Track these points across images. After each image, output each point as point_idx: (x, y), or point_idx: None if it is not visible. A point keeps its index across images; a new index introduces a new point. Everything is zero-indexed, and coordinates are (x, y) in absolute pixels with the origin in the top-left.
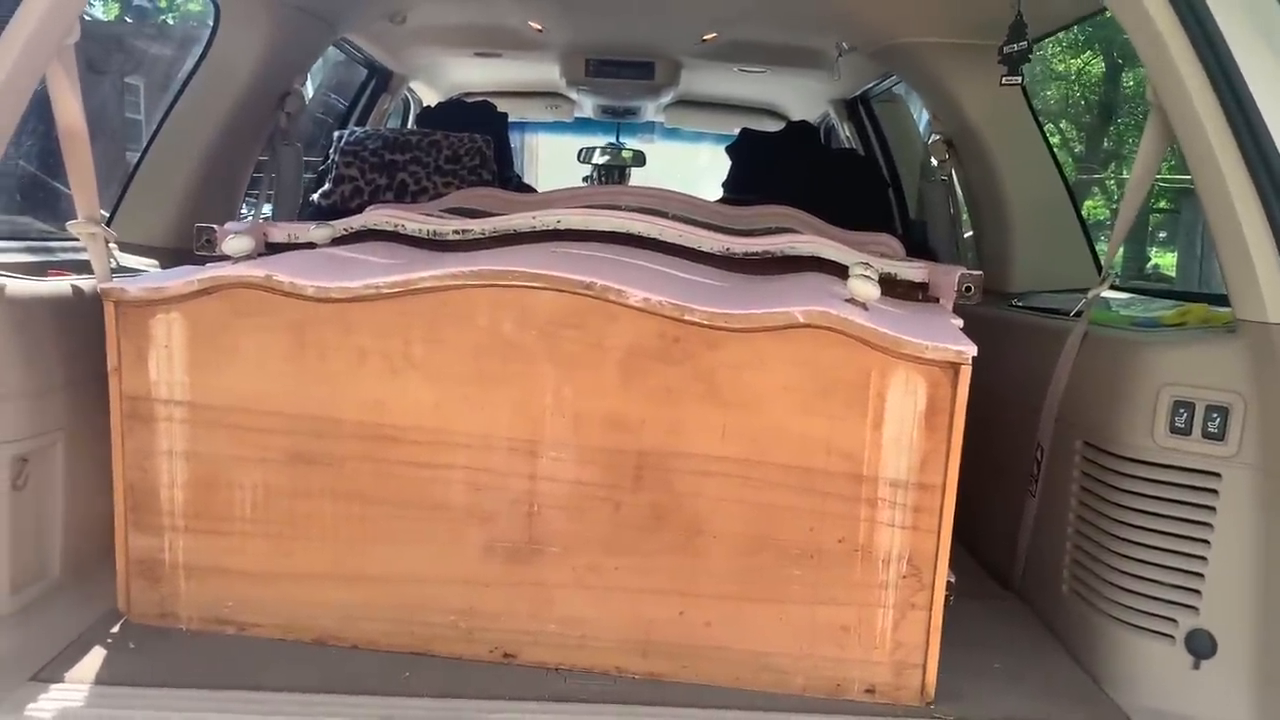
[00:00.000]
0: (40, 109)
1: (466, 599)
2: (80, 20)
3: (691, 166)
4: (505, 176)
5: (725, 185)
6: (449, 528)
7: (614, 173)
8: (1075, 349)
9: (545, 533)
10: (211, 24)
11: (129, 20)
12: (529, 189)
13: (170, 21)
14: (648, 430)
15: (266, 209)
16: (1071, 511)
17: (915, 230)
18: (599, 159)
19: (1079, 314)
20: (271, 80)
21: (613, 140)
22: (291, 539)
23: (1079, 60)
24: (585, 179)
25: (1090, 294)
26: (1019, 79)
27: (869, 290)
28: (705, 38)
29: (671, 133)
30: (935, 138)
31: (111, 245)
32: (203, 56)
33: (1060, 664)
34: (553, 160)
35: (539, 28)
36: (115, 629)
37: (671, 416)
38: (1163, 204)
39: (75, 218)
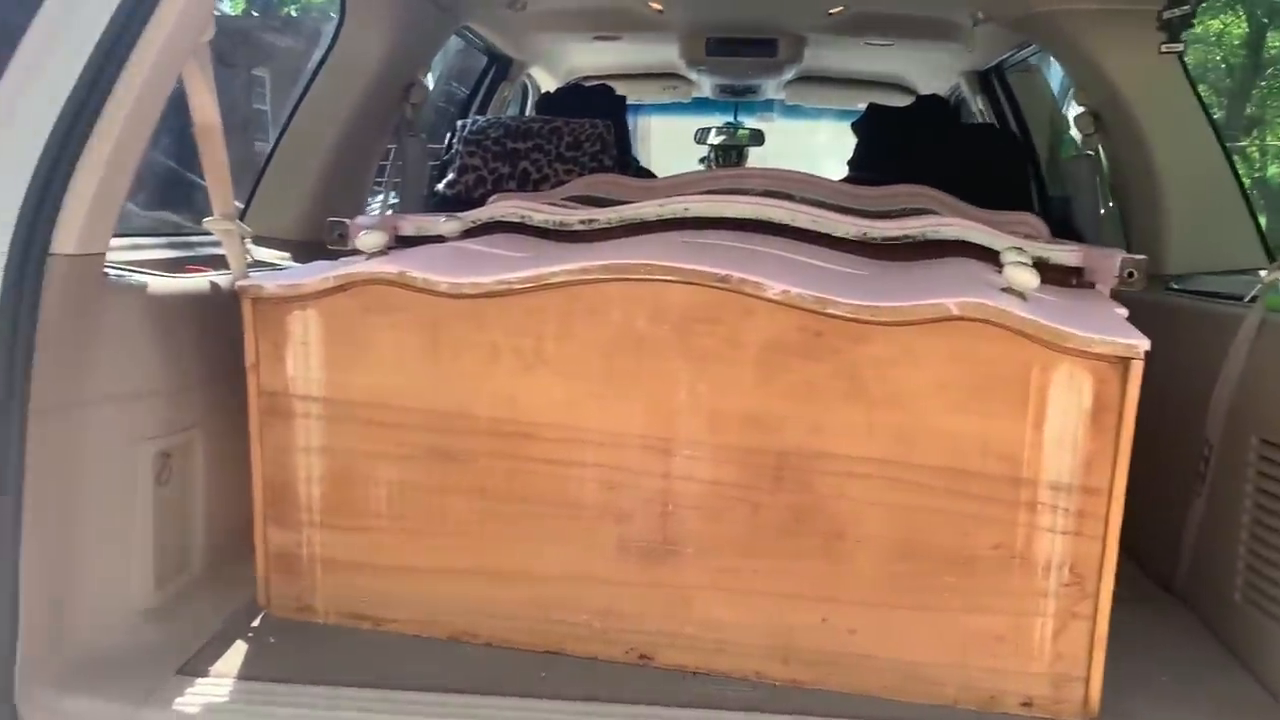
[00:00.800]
0: (171, 105)
1: (602, 599)
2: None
3: (811, 144)
4: (625, 161)
5: (851, 164)
6: (583, 526)
7: (731, 153)
8: (1251, 337)
9: (681, 533)
10: (337, 17)
11: (254, 14)
12: (648, 173)
13: (294, 14)
14: (788, 429)
15: (393, 198)
16: (1246, 513)
17: (1056, 208)
18: (716, 139)
19: (1254, 299)
20: (396, 71)
21: (730, 119)
22: (427, 534)
23: (1218, 22)
24: (702, 160)
25: (1267, 277)
26: (1180, 46)
27: (1028, 279)
28: (831, 11)
29: (791, 110)
30: (1080, 110)
31: (246, 240)
32: (329, 50)
33: (1234, 677)
34: (667, 141)
35: (659, 8)
36: (255, 623)
37: (813, 415)
38: None
39: (208, 212)
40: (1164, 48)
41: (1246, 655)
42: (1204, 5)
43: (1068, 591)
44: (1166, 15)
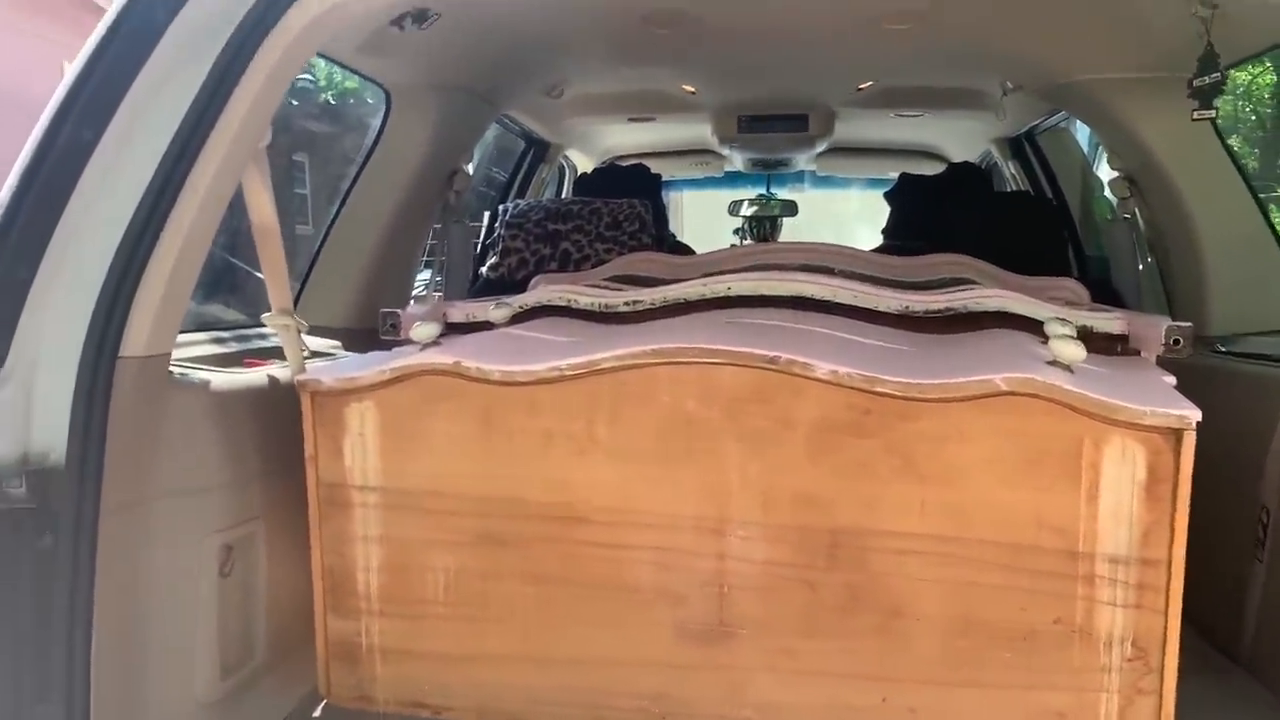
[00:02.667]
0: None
1: (658, 683)
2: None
3: (843, 211)
4: (662, 237)
5: (886, 233)
6: (637, 609)
7: (765, 224)
8: None
9: (736, 614)
10: (383, 111)
11: (293, 101)
12: (686, 248)
13: (331, 100)
14: (840, 507)
15: (425, 277)
16: None
17: (1093, 270)
18: (749, 210)
19: None
20: (440, 161)
21: (763, 191)
22: (482, 621)
23: (1246, 73)
24: (736, 231)
25: None
26: (1212, 112)
27: (1074, 352)
28: (861, 86)
29: (822, 180)
30: (1115, 175)
31: (301, 334)
32: (375, 141)
33: None
34: (699, 214)
35: (692, 90)
36: (317, 712)
37: (865, 492)
38: None
39: (259, 305)
40: (1196, 114)
41: None
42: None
43: (1131, 666)
44: (1197, 83)
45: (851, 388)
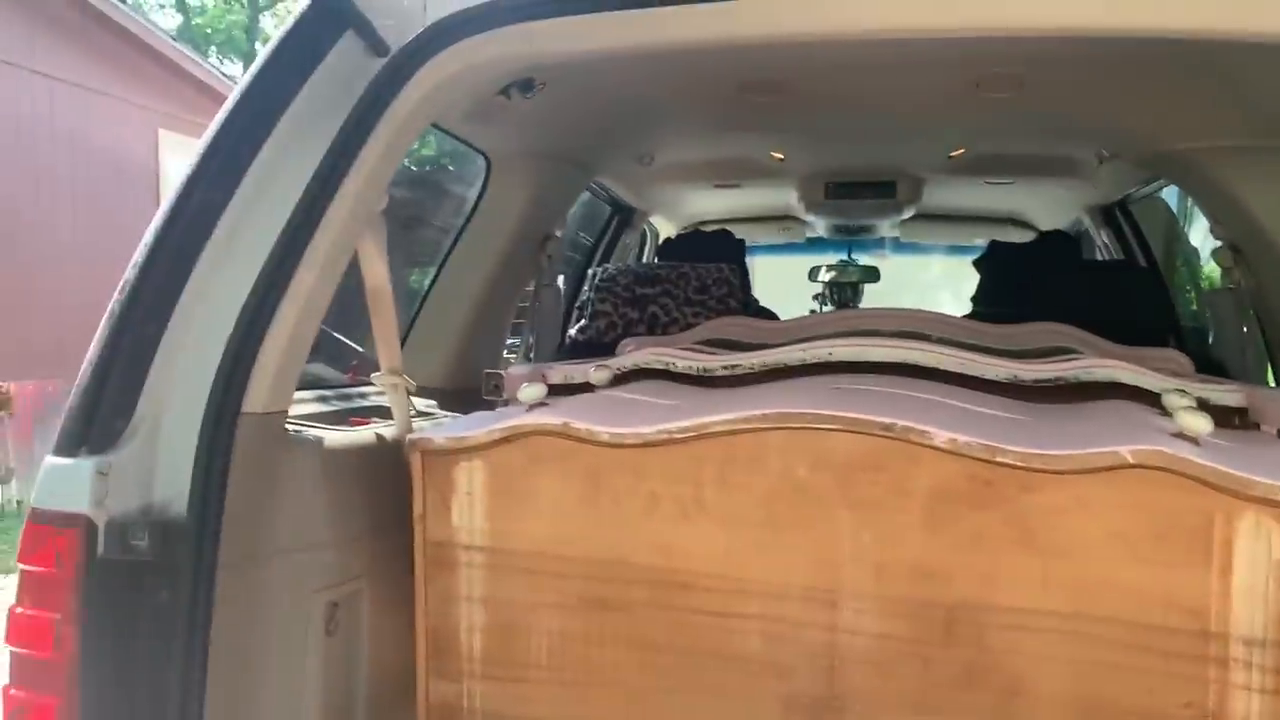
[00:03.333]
0: None
1: None
2: None
3: (923, 279)
4: (747, 302)
5: (975, 300)
6: (744, 680)
7: (846, 290)
8: None
9: (848, 689)
10: (483, 177)
11: None
12: (770, 313)
13: (412, 167)
14: (958, 580)
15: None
16: None
17: (1190, 340)
18: (830, 276)
19: None
20: (535, 226)
21: (844, 257)
22: (585, 686)
23: None
24: (816, 297)
25: None
26: None
27: (1201, 424)
28: (953, 154)
29: (903, 245)
30: (1218, 244)
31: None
32: (475, 206)
33: None
34: (775, 279)
35: (780, 156)
36: None
37: (984, 565)
38: None
39: (349, 365)
40: None
41: None
42: None
43: None
44: None
45: (971, 457)
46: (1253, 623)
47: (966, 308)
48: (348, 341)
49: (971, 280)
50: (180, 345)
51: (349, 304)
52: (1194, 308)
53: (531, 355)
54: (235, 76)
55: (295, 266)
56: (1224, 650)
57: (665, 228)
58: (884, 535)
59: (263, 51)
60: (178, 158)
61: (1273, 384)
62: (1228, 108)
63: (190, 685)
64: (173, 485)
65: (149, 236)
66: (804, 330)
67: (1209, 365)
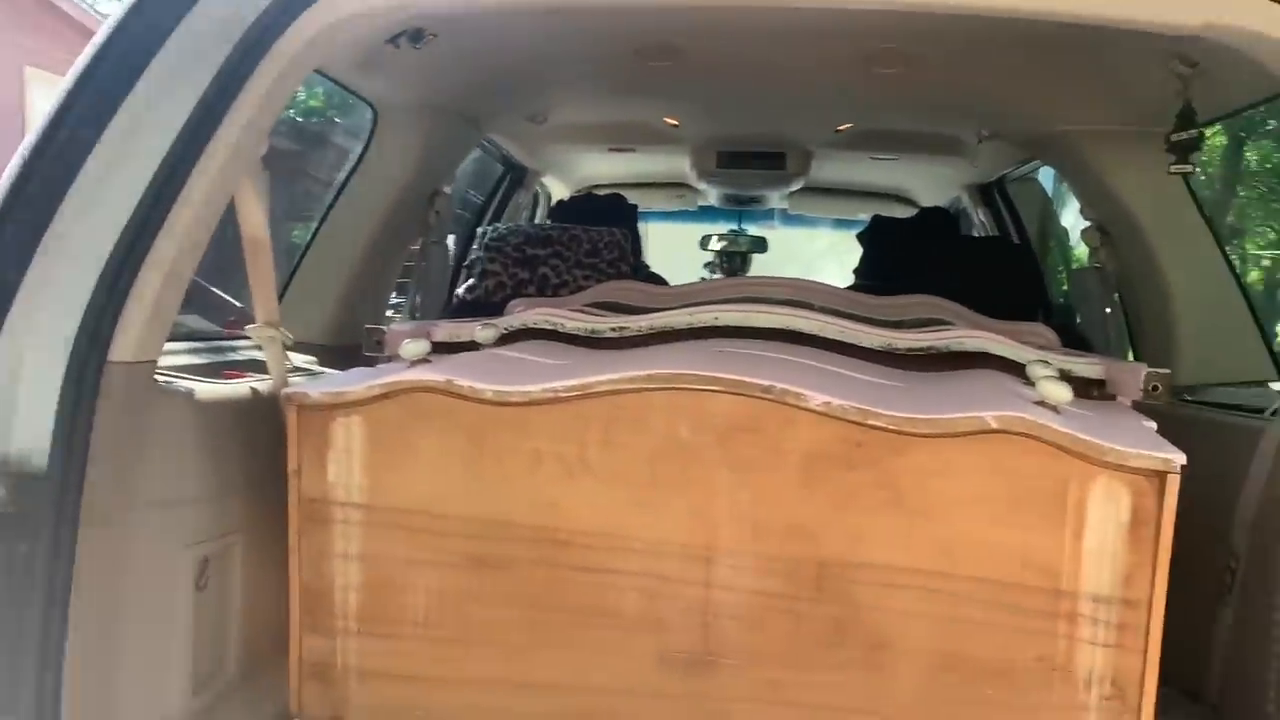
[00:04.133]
0: None
1: (641, 710)
2: None
3: (810, 250)
4: (638, 267)
5: (858, 272)
6: (620, 636)
7: (736, 259)
8: (1273, 450)
9: (722, 644)
10: (370, 128)
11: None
12: (660, 279)
13: (297, 118)
14: (829, 538)
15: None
16: (1277, 625)
17: (1057, 316)
18: (720, 245)
19: (1275, 412)
20: (423, 181)
21: (734, 227)
22: (463, 644)
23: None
24: (706, 265)
25: None
26: (1190, 167)
27: (1061, 393)
28: (840, 128)
29: (791, 218)
30: (1086, 224)
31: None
32: (360, 159)
33: None
34: (667, 246)
35: (675, 123)
36: None
37: (854, 524)
38: None
39: (228, 316)
40: (1173, 169)
41: None
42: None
43: (1110, 705)
44: (1175, 138)
45: (845, 420)
46: (1100, 581)
47: (849, 279)
48: (224, 295)
49: (853, 253)
50: (43, 290)
51: (234, 256)
52: (1063, 285)
53: (417, 314)
54: (109, 12)
55: (167, 211)
56: (1073, 607)
57: (558, 189)
58: (760, 494)
59: None
60: (46, 97)
61: (1132, 359)
62: (1102, 94)
63: (50, 641)
64: (33, 435)
65: (8, 176)
66: (692, 296)
67: (1075, 340)
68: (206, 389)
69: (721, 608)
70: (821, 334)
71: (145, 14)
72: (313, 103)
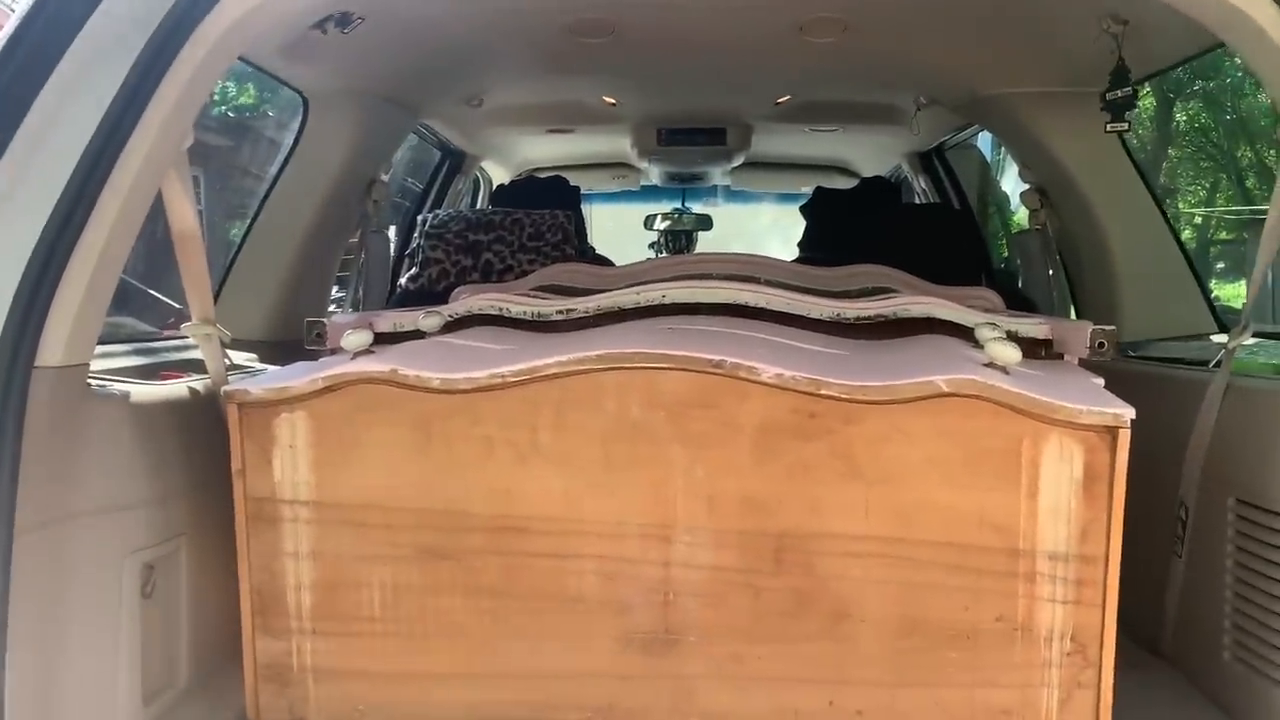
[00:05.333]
0: None
1: (604, 694)
2: None
3: (755, 226)
4: (583, 249)
5: (802, 245)
6: (582, 620)
7: (681, 237)
8: (1218, 401)
9: (683, 621)
10: (300, 118)
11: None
12: (606, 260)
13: (230, 114)
14: (786, 510)
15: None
16: (1228, 573)
17: (1003, 280)
18: (665, 224)
19: (1218, 364)
20: (358, 170)
21: (678, 205)
22: (422, 637)
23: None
24: (651, 245)
25: (1230, 343)
26: (1124, 125)
27: (1010, 354)
28: (779, 101)
29: (735, 194)
30: (1026, 187)
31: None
32: (291, 150)
33: None
34: (613, 228)
35: (612, 102)
36: None
37: (810, 495)
38: (1223, 234)
39: (166, 317)
40: (1109, 127)
41: (1240, 713)
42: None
43: (1070, 661)
44: (1110, 96)
45: (797, 391)
46: (1056, 539)
47: (794, 253)
48: (161, 297)
49: (797, 227)
50: None
51: (166, 254)
52: (1004, 249)
53: (359, 306)
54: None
55: (90, 209)
56: (1031, 566)
57: (498, 173)
58: (715, 469)
59: None
60: None
61: (1074, 318)
62: (1037, 55)
63: None
64: None
65: None
66: (639, 275)
67: (1018, 302)
68: (143, 390)
69: (681, 585)
70: (769, 307)
71: (53, 7)
72: (244, 99)
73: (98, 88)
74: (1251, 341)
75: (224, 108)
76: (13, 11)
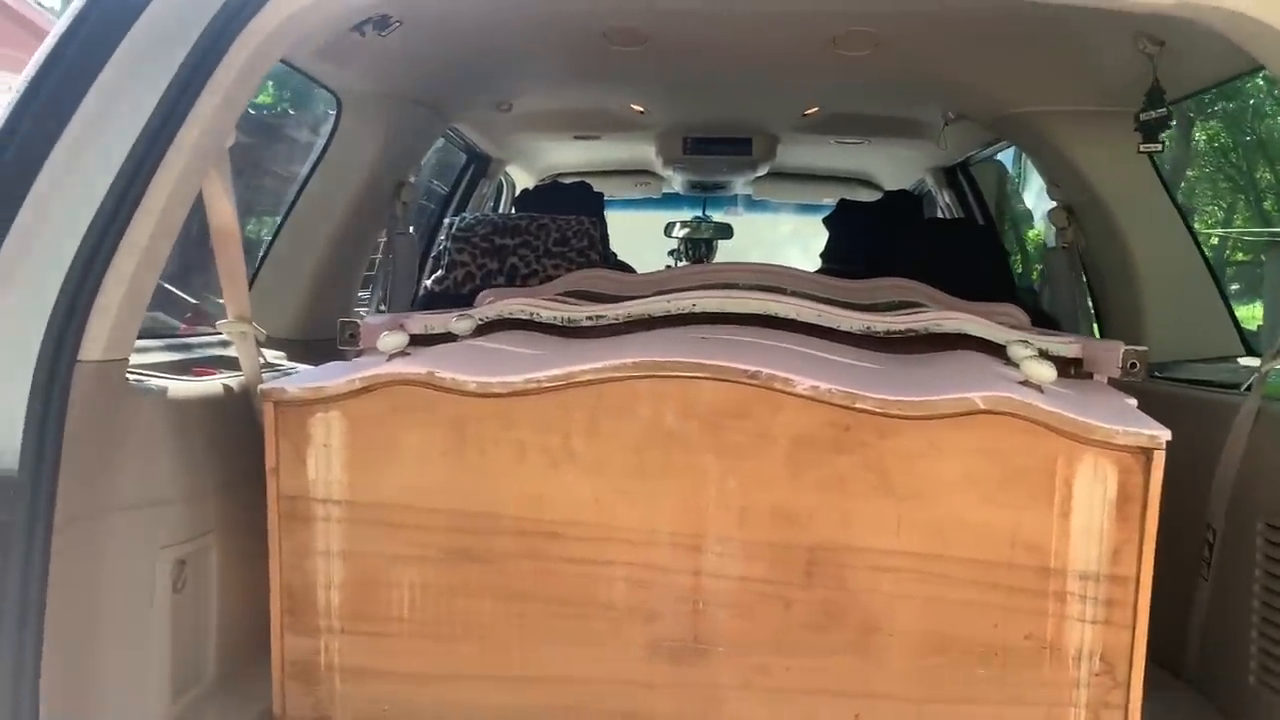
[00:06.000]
0: None
1: (630, 701)
2: None
3: (774, 236)
4: (606, 255)
5: (824, 256)
6: (611, 626)
7: (701, 246)
8: (1249, 424)
9: (712, 631)
10: (333, 119)
11: None
12: (628, 267)
13: (249, 110)
14: (818, 523)
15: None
16: (1256, 598)
17: (1027, 297)
18: (685, 232)
19: (1249, 388)
20: (388, 171)
21: (699, 214)
22: (449, 639)
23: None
24: (671, 252)
25: (1263, 367)
26: (1158, 146)
27: (1046, 372)
28: (807, 112)
29: (755, 204)
30: (1053, 205)
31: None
32: (324, 150)
33: None
34: (628, 233)
35: (640, 109)
36: None
37: (843, 508)
38: (1240, 256)
39: (184, 313)
40: (1143, 148)
41: None
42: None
43: (1099, 681)
44: (1144, 117)
45: (831, 404)
46: (1088, 559)
47: (814, 264)
48: (178, 292)
49: (818, 238)
50: (8, 290)
51: (197, 253)
52: (1022, 266)
53: (385, 307)
54: (54, 8)
55: (137, 204)
56: (1062, 585)
57: (522, 178)
58: (748, 480)
59: None
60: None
61: (1099, 337)
62: (1069, 74)
63: (25, 648)
64: (3, 437)
65: None
66: (664, 283)
67: (1042, 319)
68: (179, 387)
69: (711, 595)
70: (798, 318)
71: (104, 6)
72: (263, 98)
73: (144, 88)
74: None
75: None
76: (40, 6)
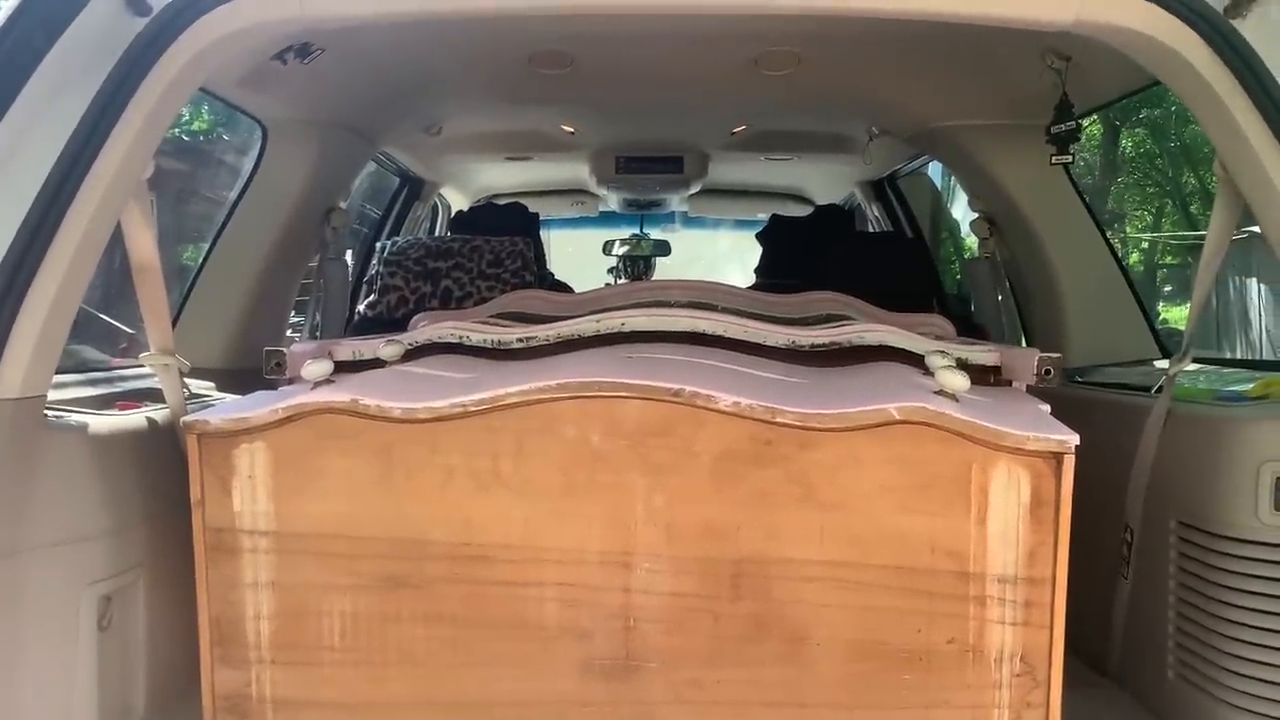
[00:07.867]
0: None
1: None
2: None
3: (713, 251)
4: (542, 276)
5: (759, 271)
6: (543, 647)
7: (639, 263)
8: (1159, 426)
9: (643, 648)
10: (259, 146)
11: None
12: (565, 286)
13: (184, 137)
14: (744, 536)
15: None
16: (1172, 594)
17: (951, 306)
18: (623, 250)
19: (1159, 390)
20: (317, 197)
21: (636, 231)
22: (383, 666)
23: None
24: (610, 270)
25: (1171, 370)
26: (1069, 157)
27: (959, 382)
28: (734, 130)
29: (693, 220)
30: (975, 216)
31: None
32: (250, 178)
33: None
34: (572, 253)
35: (571, 130)
36: None
37: (767, 521)
38: (1169, 259)
39: (118, 344)
40: (1054, 159)
41: None
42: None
43: (1020, 682)
44: (1055, 130)
45: (753, 419)
46: (1005, 562)
47: (751, 279)
48: (115, 322)
49: (754, 253)
50: None
51: (122, 283)
52: (956, 276)
53: (318, 333)
54: None
55: (49, 241)
56: (981, 589)
57: (457, 200)
58: (674, 497)
59: (5, 8)
60: None
61: (1024, 344)
62: (984, 89)
63: None
64: None
65: None
66: (598, 303)
67: (969, 328)
68: (101, 422)
69: (641, 612)
70: (726, 334)
71: (16, 34)
72: (198, 124)
73: (60, 116)
74: (1192, 367)
75: (177, 130)
76: None
